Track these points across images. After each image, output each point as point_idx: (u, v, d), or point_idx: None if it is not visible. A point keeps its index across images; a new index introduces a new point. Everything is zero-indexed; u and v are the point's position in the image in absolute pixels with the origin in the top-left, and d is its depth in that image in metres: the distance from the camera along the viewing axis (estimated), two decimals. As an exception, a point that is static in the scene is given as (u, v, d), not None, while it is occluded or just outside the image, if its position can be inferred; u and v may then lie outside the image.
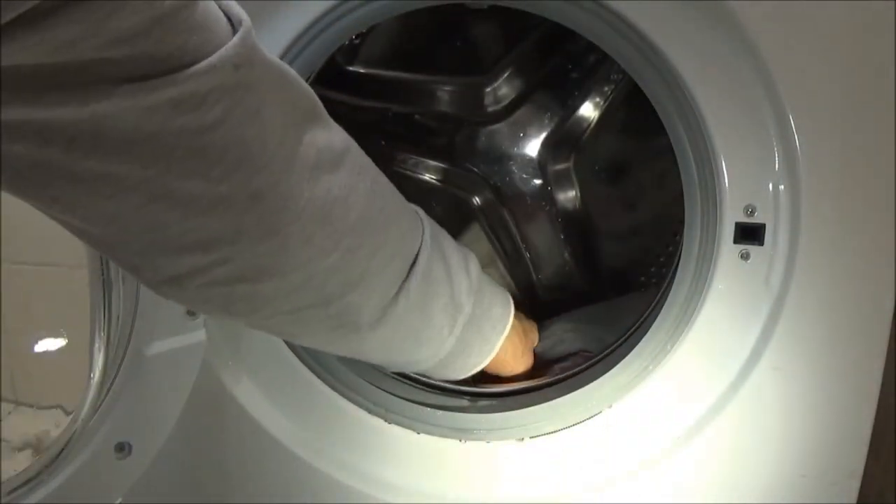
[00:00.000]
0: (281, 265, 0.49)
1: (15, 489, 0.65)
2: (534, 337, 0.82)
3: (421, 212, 0.63)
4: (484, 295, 0.67)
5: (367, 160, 0.56)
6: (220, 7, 0.43)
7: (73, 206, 0.42)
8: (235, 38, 0.42)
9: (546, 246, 1.03)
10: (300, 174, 0.47)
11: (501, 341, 0.70)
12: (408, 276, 0.57)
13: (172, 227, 0.44)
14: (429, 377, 0.77)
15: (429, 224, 0.62)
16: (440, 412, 0.75)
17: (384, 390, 0.77)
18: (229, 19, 0.43)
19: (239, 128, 0.43)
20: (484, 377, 0.77)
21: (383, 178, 0.57)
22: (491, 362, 0.71)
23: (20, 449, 0.72)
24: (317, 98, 0.51)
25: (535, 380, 0.80)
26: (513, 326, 0.72)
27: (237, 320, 0.54)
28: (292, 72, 0.49)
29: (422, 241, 0.60)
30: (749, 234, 0.64)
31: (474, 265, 0.66)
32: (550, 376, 0.79)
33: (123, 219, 0.43)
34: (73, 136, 0.38)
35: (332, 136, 0.51)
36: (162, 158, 0.41)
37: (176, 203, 0.43)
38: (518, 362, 0.77)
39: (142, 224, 0.44)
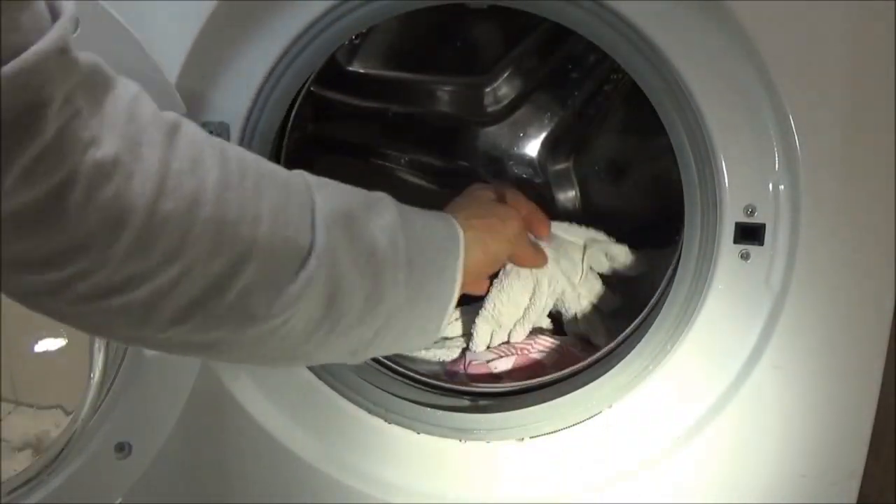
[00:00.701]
0: (146, 264, 0.43)
1: (15, 489, 0.65)
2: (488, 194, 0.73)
3: (303, 172, 0.55)
4: (413, 220, 0.59)
5: (207, 135, 0.48)
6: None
7: None
8: (57, 23, 0.38)
9: (546, 246, 1.03)
10: (135, 140, 0.41)
11: (462, 254, 0.61)
12: (312, 233, 0.50)
13: (14, 243, 0.39)
14: (410, 352, 0.72)
15: (314, 177, 0.54)
16: (440, 412, 0.75)
17: (384, 390, 0.77)
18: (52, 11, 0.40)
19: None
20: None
21: (236, 147, 0.51)
22: (477, 265, 0.63)
23: (20, 449, 0.71)
24: None
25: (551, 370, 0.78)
26: (465, 221, 0.63)
27: (133, 343, 0.49)
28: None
29: (310, 194, 0.52)
30: (749, 233, 0.64)
31: (390, 201, 0.58)
32: (557, 370, 0.79)
33: None
34: None
35: (157, 108, 0.45)
36: None
37: (9, 214, 0.38)
38: (499, 233, 0.67)
39: None
